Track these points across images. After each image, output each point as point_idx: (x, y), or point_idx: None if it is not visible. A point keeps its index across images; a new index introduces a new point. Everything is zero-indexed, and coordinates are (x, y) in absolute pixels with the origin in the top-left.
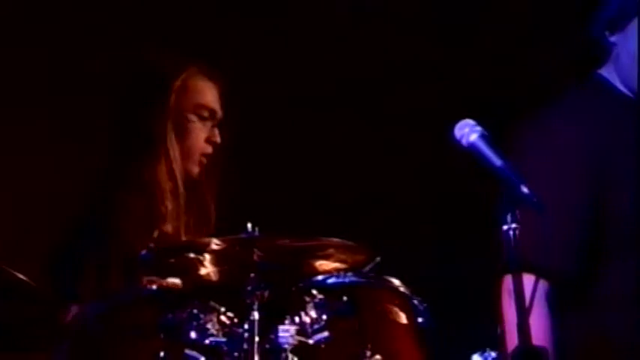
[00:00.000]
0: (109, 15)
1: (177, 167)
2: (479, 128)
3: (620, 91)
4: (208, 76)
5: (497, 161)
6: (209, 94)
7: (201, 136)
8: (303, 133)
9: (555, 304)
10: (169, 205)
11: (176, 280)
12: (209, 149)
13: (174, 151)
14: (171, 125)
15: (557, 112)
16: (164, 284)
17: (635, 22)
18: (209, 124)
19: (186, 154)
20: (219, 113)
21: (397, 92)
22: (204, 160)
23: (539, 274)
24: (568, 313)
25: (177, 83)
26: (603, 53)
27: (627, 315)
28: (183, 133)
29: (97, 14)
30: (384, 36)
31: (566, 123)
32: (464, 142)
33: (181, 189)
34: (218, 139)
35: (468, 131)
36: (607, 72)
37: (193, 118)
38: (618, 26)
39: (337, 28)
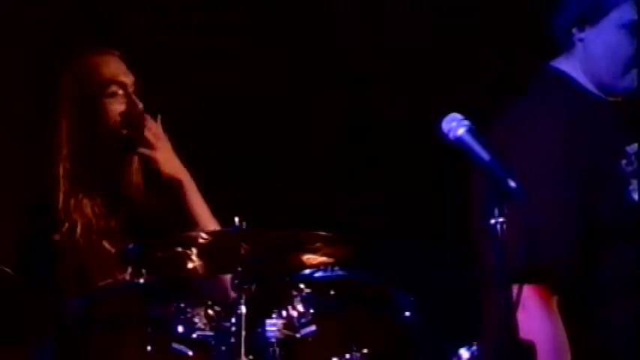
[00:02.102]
0: None
1: None
2: (466, 122)
3: (582, 86)
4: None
5: (485, 155)
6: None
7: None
8: (299, 130)
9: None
10: None
11: None
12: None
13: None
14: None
15: (529, 109)
16: None
17: (609, 17)
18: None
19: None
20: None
21: (390, 87)
22: None
23: (548, 285)
24: (564, 308)
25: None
26: (556, 46)
27: (619, 307)
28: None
29: None
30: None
31: (544, 121)
32: (451, 136)
33: None
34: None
35: (455, 125)
36: (566, 66)
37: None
38: (589, 21)
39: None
